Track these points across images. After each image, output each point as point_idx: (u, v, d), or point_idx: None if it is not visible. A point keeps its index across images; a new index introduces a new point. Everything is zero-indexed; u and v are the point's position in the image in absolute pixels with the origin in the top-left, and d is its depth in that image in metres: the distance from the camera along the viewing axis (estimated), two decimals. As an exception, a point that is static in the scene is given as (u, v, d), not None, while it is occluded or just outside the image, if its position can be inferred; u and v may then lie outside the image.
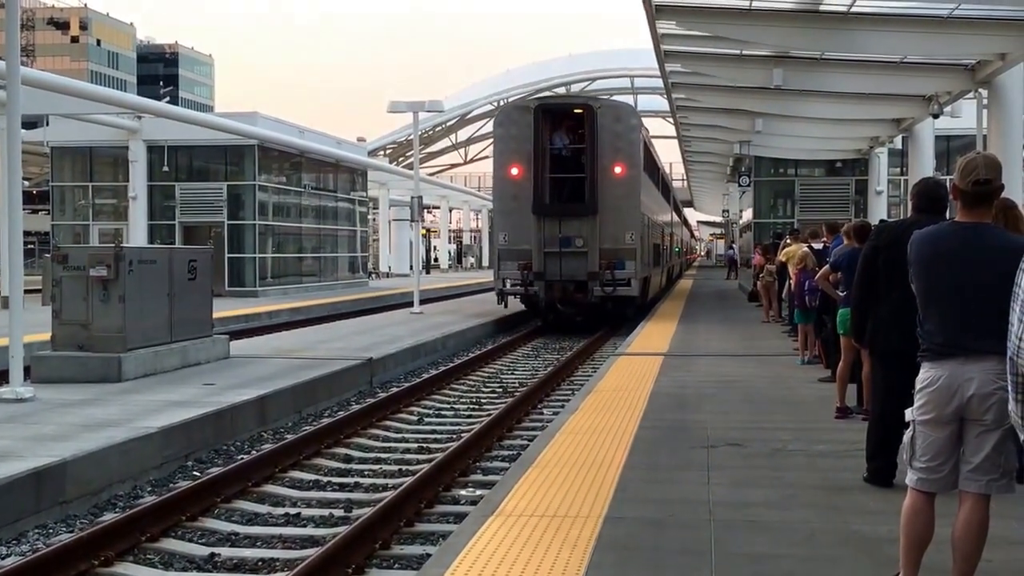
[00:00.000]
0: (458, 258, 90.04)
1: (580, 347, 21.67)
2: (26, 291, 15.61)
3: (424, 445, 11.97)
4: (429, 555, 6.63)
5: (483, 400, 15.46)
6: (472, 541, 6.07)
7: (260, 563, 7.64)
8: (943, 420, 4.68)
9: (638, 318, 24.93)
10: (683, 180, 70.66)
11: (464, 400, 15.49)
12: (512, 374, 18.51)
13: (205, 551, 7.86)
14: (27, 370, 13.20)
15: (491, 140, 28.88)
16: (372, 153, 61.69)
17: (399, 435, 12.70)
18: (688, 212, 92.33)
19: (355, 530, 7.77)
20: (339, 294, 37.57)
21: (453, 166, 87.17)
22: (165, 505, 8.57)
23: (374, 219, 65.71)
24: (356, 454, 11.52)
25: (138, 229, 35.26)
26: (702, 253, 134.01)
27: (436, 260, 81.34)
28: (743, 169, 37.40)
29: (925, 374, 4.76)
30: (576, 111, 26.34)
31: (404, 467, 10.79)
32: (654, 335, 20.00)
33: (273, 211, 37.71)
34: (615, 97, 46.96)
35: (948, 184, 5.06)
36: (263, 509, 9.13)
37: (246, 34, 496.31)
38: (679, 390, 12.49)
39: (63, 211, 37.94)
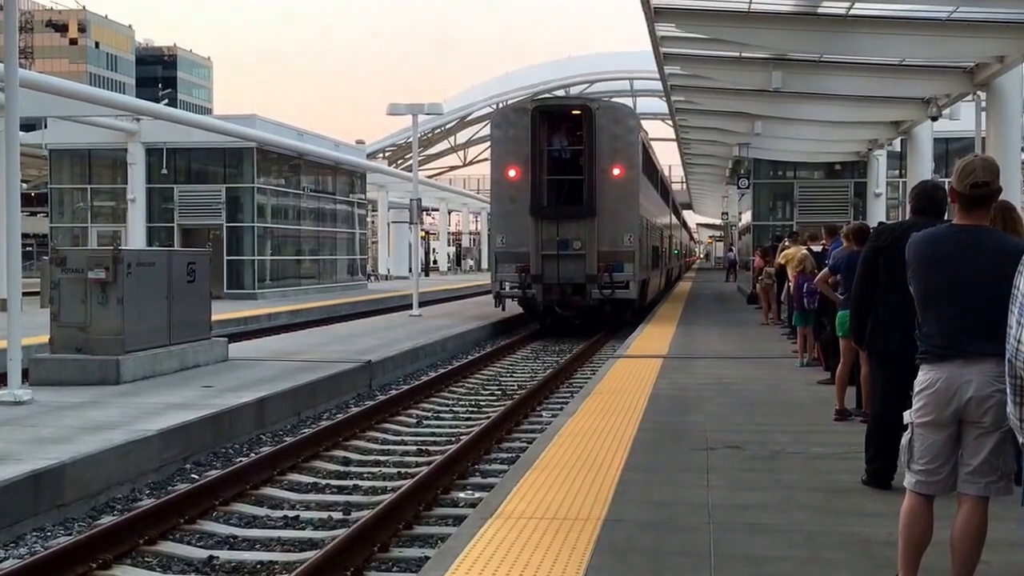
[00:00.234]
0: (457, 260, 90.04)
1: (579, 350, 21.65)
2: (24, 293, 15.63)
3: (423, 448, 11.96)
4: (428, 558, 6.62)
5: (482, 403, 15.46)
6: (471, 544, 6.07)
7: (259, 566, 7.63)
8: (941, 422, 4.68)
9: (637, 320, 24.92)
10: (682, 182, 70.69)
11: (463, 403, 15.49)
12: (511, 376, 18.50)
13: (203, 554, 7.85)
14: (25, 372, 13.19)
15: (490, 142, 28.84)
16: (371, 156, 61.75)
17: (398, 438, 12.69)
18: (687, 214, 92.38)
19: (354, 533, 7.76)
20: (338, 296, 37.58)
21: (452, 168, 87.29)
22: (163, 508, 8.56)
23: (373, 221, 65.73)
24: (355, 457, 11.51)
25: (137, 231, 35.27)
26: (701, 255, 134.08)
27: (435, 262, 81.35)
28: (742, 171, 37.41)
29: (923, 376, 4.76)
30: (574, 112, 26.19)
31: (403, 470, 10.78)
32: (653, 337, 19.99)
33: (272, 214, 37.72)
34: (614, 99, 46.95)
35: (946, 186, 5.06)
36: (262, 512, 9.12)
37: (245, 37, 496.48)
38: (678, 392, 12.49)
39: (61, 213, 37.95)
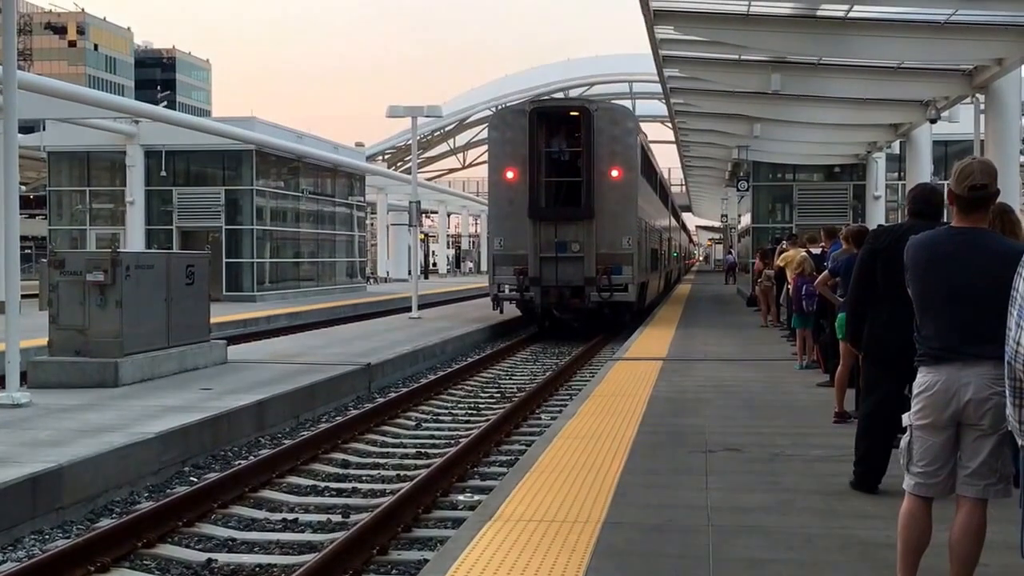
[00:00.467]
0: (456, 263, 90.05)
1: (578, 352, 21.64)
2: (23, 296, 15.63)
3: (422, 450, 11.95)
4: (427, 560, 6.62)
5: (481, 405, 15.45)
6: (470, 546, 6.06)
7: (258, 569, 7.62)
8: (940, 425, 4.68)
9: (636, 323, 24.90)
10: (682, 185, 70.67)
11: (462, 405, 15.48)
12: (510, 379, 18.50)
13: (202, 557, 7.84)
14: (24, 375, 13.19)
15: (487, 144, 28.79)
16: (370, 158, 61.78)
17: (397, 440, 12.69)
18: (687, 217, 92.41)
19: (353, 535, 7.76)
20: (337, 299, 37.58)
21: (451, 171, 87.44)
22: (162, 511, 8.56)
23: (372, 224, 65.74)
24: (354, 459, 11.50)
25: (135, 234, 35.26)
26: (701, 258, 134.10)
27: (434, 265, 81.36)
28: (741, 174, 37.35)
29: (922, 379, 4.76)
30: (572, 114, 26.11)
31: (402, 472, 10.77)
32: (652, 340, 19.99)
33: (271, 216, 37.71)
34: (614, 102, 46.93)
35: (945, 189, 5.06)
36: (260, 515, 9.11)
37: (244, 39, 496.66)
38: (677, 395, 12.49)
39: (60, 216, 37.95)
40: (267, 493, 9.82)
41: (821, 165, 34.34)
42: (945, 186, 5.09)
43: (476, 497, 9.26)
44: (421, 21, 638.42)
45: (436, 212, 79.71)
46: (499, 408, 14.67)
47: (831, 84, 21.55)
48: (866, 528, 6.35)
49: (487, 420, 13.40)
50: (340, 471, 10.93)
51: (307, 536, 8.44)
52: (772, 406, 11.61)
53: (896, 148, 30.14)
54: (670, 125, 37.99)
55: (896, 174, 32.74)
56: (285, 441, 12.21)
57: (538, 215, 24.82)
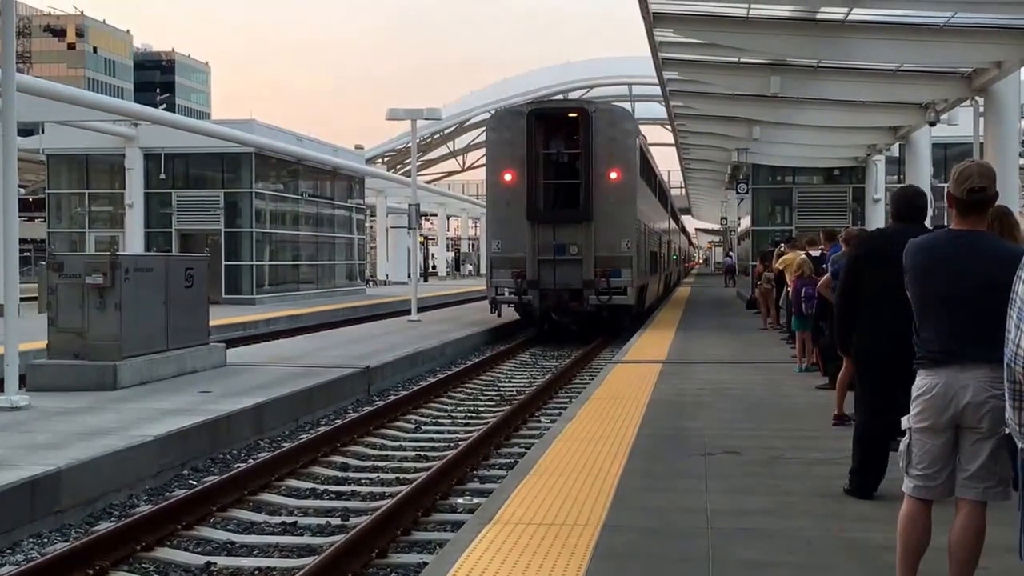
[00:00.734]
0: (456, 265, 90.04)
1: (578, 355, 21.63)
2: (22, 299, 15.62)
3: (422, 453, 11.95)
4: (426, 563, 6.61)
5: (481, 408, 15.45)
6: (469, 549, 6.06)
7: (257, 572, 7.62)
8: (939, 428, 4.68)
9: (636, 326, 24.87)
10: (681, 188, 70.66)
11: (462, 408, 15.48)
12: (510, 382, 18.49)
13: (201, 560, 7.83)
14: (23, 378, 13.17)
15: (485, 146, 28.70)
16: (370, 161, 61.72)
17: (396, 443, 12.68)
18: (686, 220, 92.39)
19: (352, 539, 7.75)
20: (337, 302, 37.57)
21: (451, 173, 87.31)
22: (161, 514, 8.55)
23: (372, 226, 65.72)
24: (353, 462, 11.49)
25: (134, 237, 35.25)
26: (700, 261, 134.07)
27: (434, 268, 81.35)
28: (741, 177, 37.35)
29: (921, 381, 4.75)
30: (570, 115, 25.98)
31: (401, 475, 10.76)
32: (652, 343, 19.99)
33: (270, 218, 37.69)
34: (612, 103, 46.87)
35: (944, 191, 5.06)
36: (260, 518, 9.10)
37: (243, 42, 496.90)
38: (677, 398, 12.48)
39: (59, 218, 37.93)
40: (266, 496, 9.81)
41: (821, 168, 34.34)
42: (945, 188, 5.09)
43: (475, 500, 9.25)
44: (421, 24, 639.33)
45: (436, 215, 79.69)
46: (498, 411, 14.66)
47: (830, 87, 21.53)
48: (866, 531, 6.35)
49: (486, 423, 13.40)
50: (339, 474, 10.93)
51: (306, 539, 8.44)
52: (772, 409, 11.61)
53: (896, 151, 30.13)
54: (669, 128, 37.97)
55: (896, 177, 32.72)
56: (284, 444, 12.21)
57: (536, 217, 24.66)
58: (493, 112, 28.81)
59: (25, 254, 52.89)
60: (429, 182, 75.49)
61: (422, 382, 17.79)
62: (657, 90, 31.13)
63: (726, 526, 6.51)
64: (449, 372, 18.96)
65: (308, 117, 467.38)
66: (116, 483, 9.59)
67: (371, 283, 56.25)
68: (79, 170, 37.60)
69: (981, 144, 18.47)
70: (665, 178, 51.50)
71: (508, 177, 25.01)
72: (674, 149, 44.16)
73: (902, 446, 4.84)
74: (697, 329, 23.51)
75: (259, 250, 36.41)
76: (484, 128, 62.80)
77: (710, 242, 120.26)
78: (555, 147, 25.62)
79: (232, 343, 20.27)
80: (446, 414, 14.91)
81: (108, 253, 14.60)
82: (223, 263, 35.19)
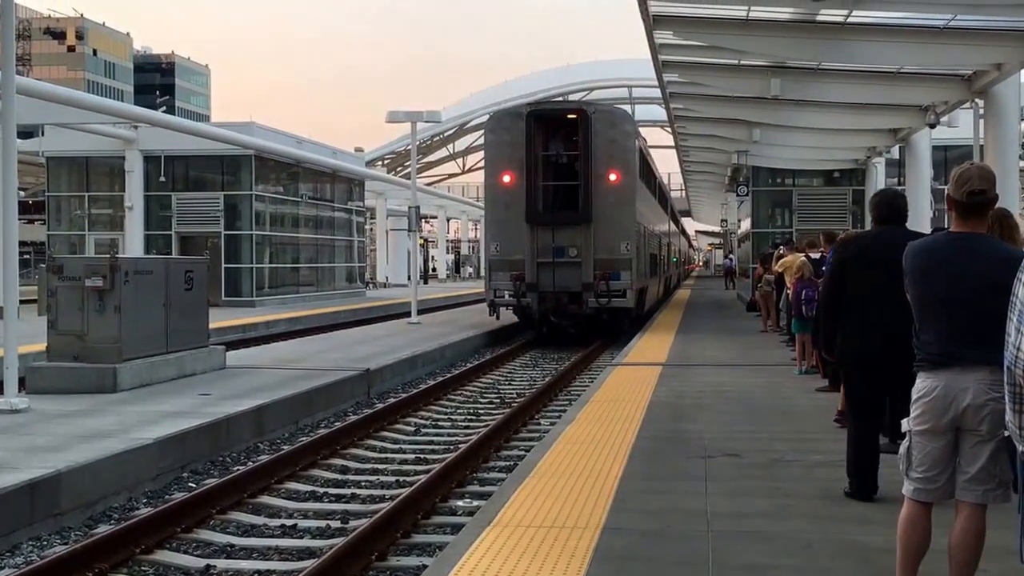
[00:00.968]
0: (456, 268, 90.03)
1: (578, 357, 21.62)
2: (22, 301, 15.62)
3: (421, 456, 11.94)
4: (426, 566, 6.61)
5: (480, 411, 15.44)
6: (469, 552, 6.05)
7: (256, 574, 7.62)
8: (939, 430, 4.68)
9: (635, 328, 24.83)
10: (682, 190, 70.68)
11: (461, 411, 15.47)
12: (510, 384, 18.48)
13: (201, 563, 7.83)
14: (22, 381, 13.18)
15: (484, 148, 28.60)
16: (370, 164, 61.75)
17: (396, 446, 12.67)
18: (686, 222, 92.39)
19: (352, 541, 7.74)
20: (337, 304, 37.55)
21: (451, 176, 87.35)
22: (160, 517, 8.54)
23: (371, 229, 65.71)
24: (353, 465, 11.49)
25: (134, 239, 35.23)
26: (701, 263, 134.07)
27: (434, 270, 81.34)
28: (741, 179, 37.38)
29: (921, 384, 4.75)
30: (569, 117, 25.81)
31: (401, 478, 10.76)
32: (652, 345, 19.98)
33: (270, 221, 37.69)
34: (612, 105, 46.85)
35: (944, 193, 5.06)
36: (259, 520, 9.10)
37: (243, 44, 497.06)
38: (677, 400, 12.47)
39: (59, 221, 37.92)
40: (266, 499, 9.81)
41: (821, 170, 34.35)
42: (945, 191, 5.09)
43: (475, 503, 9.25)
44: (421, 27, 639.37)
45: (436, 217, 79.70)
46: (498, 413, 14.66)
47: (830, 89, 21.53)
48: (866, 533, 6.34)
49: (486, 425, 13.39)
50: (339, 477, 10.92)
51: (306, 542, 8.43)
52: (771, 411, 11.60)
53: (896, 153, 30.14)
54: (669, 130, 37.98)
55: (896, 179, 32.71)
56: (284, 447, 12.20)
57: (535, 219, 24.51)
58: (492, 113, 28.64)
59: (25, 257, 52.87)
60: (429, 184, 75.51)
61: (422, 385, 17.79)
62: (657, 92, 31.15)
63: (726, 528, 6.51)
64: (449, 374, 18.95)
65: (308, 120, 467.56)
66: (116, 486, 9.59)
67: (371, 285, 56.24)
68: (79, 172, 37.59)
69: (981, 146, 18.48)
70: (665, 180, 51.52)
71: (507, 179, 24.87)
72: (674, 151, 44.19)
73: (902, 449, 4.84)
74: (697, 331, 23.49)
75: (259, 252, 36.41)
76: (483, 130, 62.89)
77: (710, 244, 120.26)
78: (554, 149, 25.48)
79: (232, 345, 20.26)
80: (446, 417, 14.90)
81: (108, 256, 14.58)
82: (223, 265, 35.19)
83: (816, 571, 5.70)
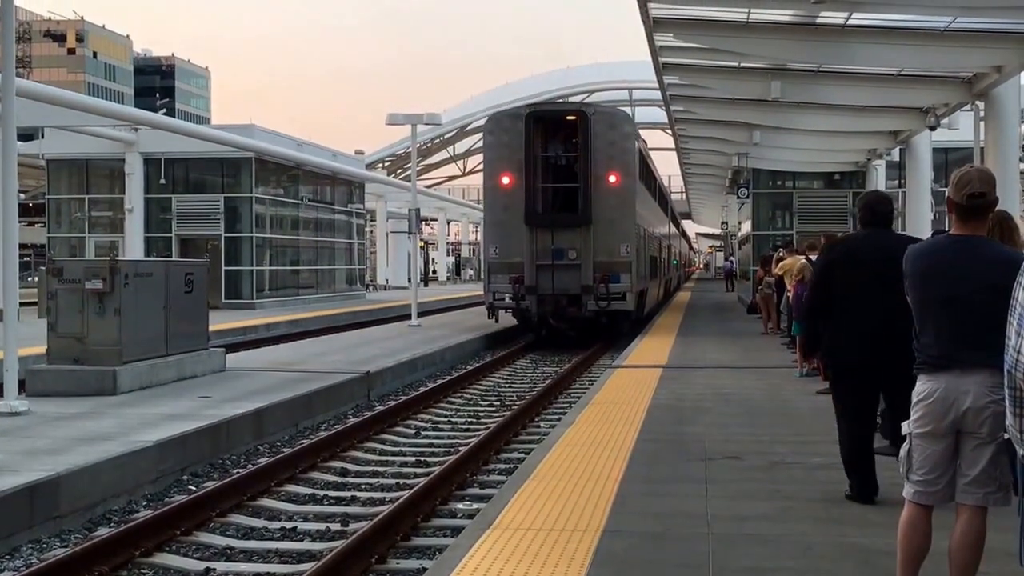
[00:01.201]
0: (456, 270, 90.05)
1: (578, 360, 21.61)
2: (22, 304, 15.60)
3: (421, 458, 11.93)
4: (425, 569, 6.60)
5: (481, 413, 15.43)
6: (468, 555, 6.04)
7: (256, 577, 7.61)
8: (939, 433, 4.68)
9: (635, 331, 24.80)
10: (682, 192, 70.72)
11: (462, 413, 15.46)
12: (510, 387, 18.47)
13: (200, 566, 7.82)
14: (22, 383, 13.17)
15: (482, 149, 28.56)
16: (370, 166, 61.77)
17: (396, 448, 12.66)
18: (687, 224, 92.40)
19: (352, 544, 7.74)
20: (337, 306, 37.54)
21: (451, 178, 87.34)
22: (160, 519, 8.54)
23: (372, 231, 65.73)
24: (353, 468, 11.48)
25: (134, 242, 35.23)
26: (701, 265, 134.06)
27: (434, 272, 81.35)
28: (741, 181, 37.37)
29: (922, 386, 4.75)
30: (569, 118, 25.67)
31: (401, 481, 10.75)
32: (652, 347, 19.97)
33: (270, 224, 37.70)
34: (611, 106, 46.83)
35: (945, 196, 5.06)
36: (259, 523, 9.09)
37: (243, 47, 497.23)
38: (677, 402, 12.46)
39: (59, 223, 37.94)
40: (266, 502, 9.80)
41: (821, 172, 34.36)
42: (945, 194, 5.10)
43: (475, 505, 9.23)
44: (421, 29, 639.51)
45: (436, 219, 79.72)
46: (498, 416, 14.65)
47: (831, 91, 21.54)
48: (866, 536, 6.34)
49: (486, 428, 13.38)
50: (339, 479, 10.91)
51: (306, 545, 8.42)
52: (772, 414, 11.59)
53: (896, 155, 30.16)
54: (670, 132, 38.01)
55: (896, 181, 32.75)
56: (284, 449, 12.19)
57: (534, 221, 24.39)
58: (491, 115, 28.57)
59: (25, 259, 52.90)
60: (429, 187, 75.49)
61: (422, 387, 17.78)
62: (657, 94, 31.14)
63: (726, 531, 6.50)
64: (449, 377, 18.94)
65: (308, 122, 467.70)
66: (115, 489, 9.57)
67: (371, 288, 56.24)
68: (79, 175, 37.61)
69: (981, 148, 18.48)
70: (665, 182, 51.48)
71: (506, 181, 24.74)
72: (675, 153, 44.21)
73: (902, 451, 4.84)
74: (697, 334, 23.47)
75: (259, 255, 36.42)
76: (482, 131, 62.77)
77: (711, 247, 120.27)
78: (553, 150, 25.37)
79: (232, 348, 20.26)
80: (446, 419, 14.89)
81: (108, 258, 14.57)
82: (223, 268, 35.20)
83: (817, 573, 5.69)
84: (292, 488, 10.37)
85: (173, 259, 30.54)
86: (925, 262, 4.82)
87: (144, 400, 13.22)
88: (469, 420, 14.82)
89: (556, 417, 14.17)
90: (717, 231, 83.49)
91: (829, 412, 10.43)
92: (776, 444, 9.55)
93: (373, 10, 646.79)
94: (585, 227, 24.36)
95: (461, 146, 79.45)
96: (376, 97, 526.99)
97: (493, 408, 15.91)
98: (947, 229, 5.53)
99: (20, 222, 16.34)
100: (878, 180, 31.19)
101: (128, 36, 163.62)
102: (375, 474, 11.20)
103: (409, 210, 29.88)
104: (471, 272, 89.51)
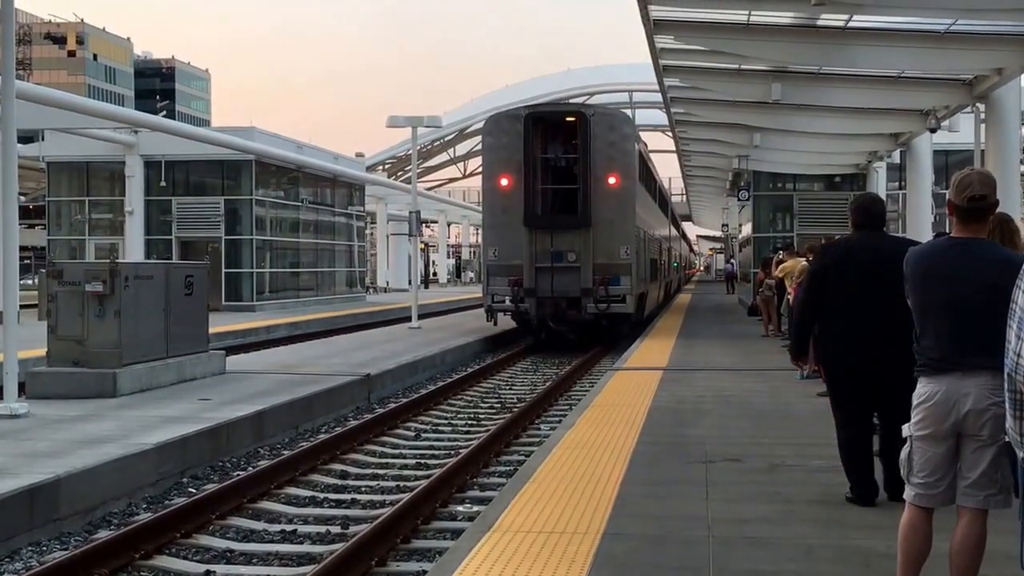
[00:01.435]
0: (457, 272, 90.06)
1: (578, 362, 21.58)
2: (22, 306, 15.60)
3: (422, 461, 11.92)
4: (426, 572, 6.60)
5: (481, 415, 15.42)
6: (468, 557, 6.04)
7: (255, 580, 7.60)
8: (940, 435, 4.67)
9: (636, 333, 24.77)
10: (683, 194, 70.75)
11: (462, 415, 15.44)
12: (510, 389, 18.45)
13: (200, 568, 7.81)
14: (22, 386, 13.16)
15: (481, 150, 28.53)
16: (371, 168, 61.79)
17: (396, 451, 12.65)
18: (687, 226, 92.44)
19: (352, 547, 7.72)
20: (337, 309, 37.54)
21: (452, 180, 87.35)
22: (160, 522, 8.52)
23: (372, 233, 65.73)
24: (353, 470, 11.46)
25: (135, 244, 35.25)
26: (701, 268, 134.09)
27: (435, 275, 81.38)
28: (742, 183, 37.40)
29: (922, 389, 4.75)
30: (568, 119, 25.51)
31: (401, 483, 10.74)
32: (653, 350, 19.96)
33: (271, 226, 37.72)
34: (611, 107, 46.83)
35: (945, 198, 5.05)
36: (259, 526, 9.08)
37: (243, 49, 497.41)
38: (677, 405, 12.46)
39: (59, 226, 37.95)
40: (266, 504, 9.79)
41: (821, 175, 34.40)
42: (945, 196, 5.09)
43: (475, 508, 9.22)
44: (421, 32, 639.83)
45: (436, 221, 79.74)
46: (499, 418, 14.63)
47: (831, 94, 21.56)
48: (866, 538, 6.33)
49: (487, 431, 13.37)
50: (339, 482, 10.90)
51: (306, 547, 8.41)
52: (772, 416, 11.59)
53: (896, 157, 30.21)
54: (670, 134, 38.07)
55: (897, 183, 32.78)
56: (284, 452, 12.18)
57: (533, 223, 24.24)
58: (490, 116, 28.49)
59: (25, 261, 52.88)
60: (430, 189, 75.51)
61: (422, 389, 17.77)
62: (658, 97, 31.17)
63: (727, 534, 6.49)
64: (449, 379, 18.92)
65: (308, 124, 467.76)
66: (115, 491, 9.56)
67: (371, 290, 56.24)
68: (79, 177, 37.61)
69: (982, 151, 18.49)
70: (666, 184, 51.48)
71: (505, 182, 24.61)
72: (675, 155, 44.26)
73: (903, 454, 4.83)
74: (698, 336, 23.46)
75: (259, 257, 36.44)
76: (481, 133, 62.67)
77: (711, 249, 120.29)
78: (553, 152, 25.24)
79: (232, 350, 20.25)
80: (446, 421, 14.88)
81: (108, 260, 14.56)
82: (223, 270, 35.22)
83: (817, 576, 5.69)
84: (292, 491, 10.36)
85: (173, 261, 30.54)
86: (925, 264, 4.82)
87: (144, 402, 13.21)
88: (469, 422, 14.80)
89: (556, 419, 14.15)
90: (718, 233, 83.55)
91: (829, 414, 10.39)
92: (777, 446, 9.55)
93: (374, 12, 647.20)
94: (585, 229, 24.21)
95: (462, 148, 79.47)
96: (377, 99, 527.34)
97: (493, 410, 15.89)
98: (948, 231, 5.52)
99: (20, 224, 16.35)
100: (879, 182, 31.21)
101: (128, 38, 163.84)
102: (375, 476, 11.19)
103: (409, 212, 29.88)
104: (471, 274, 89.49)
